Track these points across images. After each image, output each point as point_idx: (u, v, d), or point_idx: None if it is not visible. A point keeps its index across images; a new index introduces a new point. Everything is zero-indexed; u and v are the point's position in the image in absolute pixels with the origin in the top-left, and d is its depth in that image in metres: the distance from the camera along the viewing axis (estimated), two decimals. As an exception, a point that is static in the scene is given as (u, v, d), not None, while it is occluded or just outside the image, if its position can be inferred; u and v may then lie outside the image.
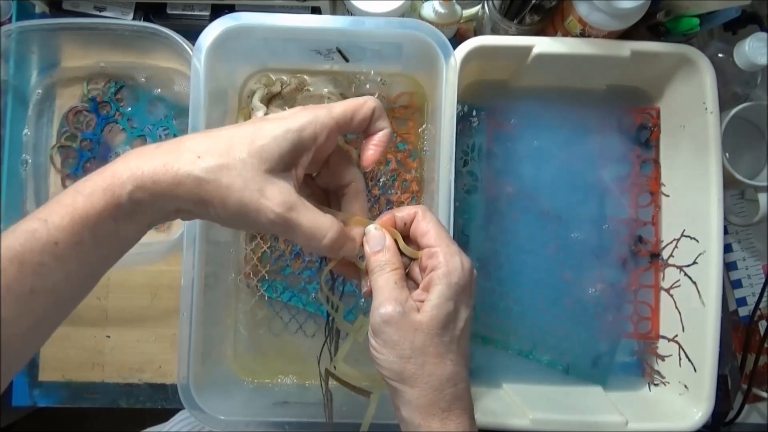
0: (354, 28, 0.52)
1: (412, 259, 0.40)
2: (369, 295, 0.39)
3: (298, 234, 0.35)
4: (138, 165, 0.33)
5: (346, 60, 0.59)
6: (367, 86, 0.62)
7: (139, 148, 0.35)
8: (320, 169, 0.41)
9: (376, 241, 0.38)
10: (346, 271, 0.42)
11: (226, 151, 0.33)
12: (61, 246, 0.32)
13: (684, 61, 0.58)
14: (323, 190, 0.42)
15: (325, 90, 0.61)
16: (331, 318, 0.46)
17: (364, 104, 0.37)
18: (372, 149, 0.39)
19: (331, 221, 0.36)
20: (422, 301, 0.37)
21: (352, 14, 0.59)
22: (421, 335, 0.35)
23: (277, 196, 0.34)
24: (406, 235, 0.40)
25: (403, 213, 0.40)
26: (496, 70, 0.62)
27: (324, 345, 0.46)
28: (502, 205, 0.63)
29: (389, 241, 0.38)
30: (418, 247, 0.39)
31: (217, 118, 0.56)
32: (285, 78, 0.61)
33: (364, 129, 0.38)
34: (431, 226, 0.38)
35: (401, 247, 0.39)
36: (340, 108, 0.36)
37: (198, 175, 0.33)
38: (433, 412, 0.35)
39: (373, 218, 0.40)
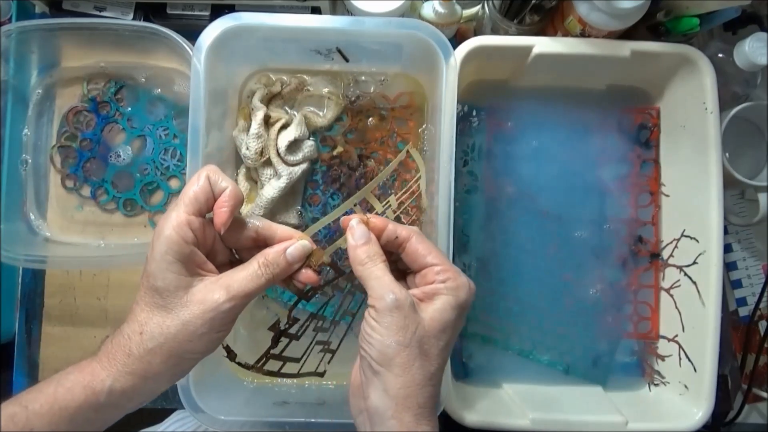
0: (354, 28, 0.52)
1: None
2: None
3: (253, 292, 0.38)
4: (111, 363, 0.37)
5: (346, 60, 0.59)
6: (367, 86, 0.62)
7: (105, 348, 0.38)
8: (229, 250, 0.42)
9: (361, 233, 0.39)
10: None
11: (150, 308, 0.37)
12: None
13: (684, 61, 0.58)
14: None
15: (325, 90, 0.61)
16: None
17: (197, 181, 0.38)
18: (222, 211, 0.38)
19: (255, 262, 0.39)
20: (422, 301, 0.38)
21: (352, 14, 0.59)
22: (422, 330, 0.36)
23: (215, 292, 0.37)
24: (391, 251, 0.41)
25: (399, 229, 0.40)
26: (496, 70, 0.62)
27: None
28: (502, 205, 0.63)
29: (372, 234, 0.40)
30: (414, 267, 0.40)
31: (217, 118, 0.56)
32: (285, 78, 0.61)
33: (216, 198, 0.39)
34: (432, 248, 0.40)
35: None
36: (184, 200, 0.38)
37: (152, 347, 0.36)
38: (409, 404, 0.36)
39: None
